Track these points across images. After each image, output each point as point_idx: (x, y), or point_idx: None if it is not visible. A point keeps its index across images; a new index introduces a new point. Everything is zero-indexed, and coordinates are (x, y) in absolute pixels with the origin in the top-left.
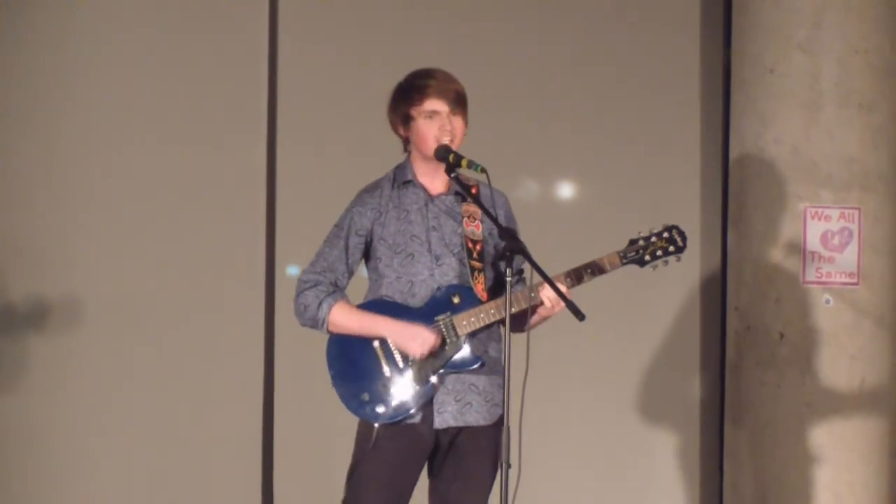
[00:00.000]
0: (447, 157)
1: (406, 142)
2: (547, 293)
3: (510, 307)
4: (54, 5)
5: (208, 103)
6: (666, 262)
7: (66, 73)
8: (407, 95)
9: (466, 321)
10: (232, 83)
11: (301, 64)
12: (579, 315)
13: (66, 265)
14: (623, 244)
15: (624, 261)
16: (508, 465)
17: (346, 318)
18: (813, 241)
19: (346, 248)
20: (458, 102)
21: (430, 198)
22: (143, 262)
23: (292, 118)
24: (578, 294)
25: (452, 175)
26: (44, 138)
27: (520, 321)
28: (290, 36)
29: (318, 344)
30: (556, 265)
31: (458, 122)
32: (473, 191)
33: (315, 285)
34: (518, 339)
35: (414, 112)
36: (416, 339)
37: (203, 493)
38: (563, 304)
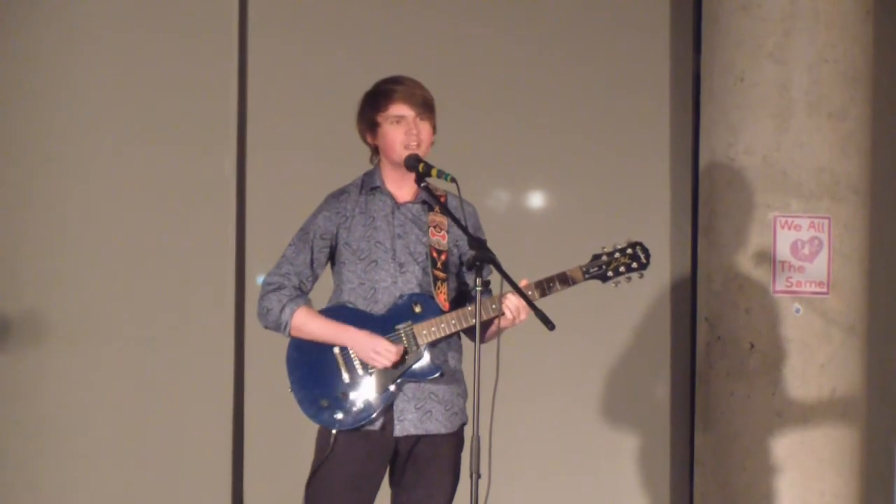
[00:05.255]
0: (417, 167)
1: (375, 150)
2: (508, 303)
3: (479, 316)
4: (19, 8)
5: (177, 112)
6: (629, 279)
7: (30, 80)
8: (373, 102)
9: (427, 330)
10: (201, 92)
11: (271, 72)
12: (549, 325)
13: (37, 273)
14: (590, 256)
15: (586, 276)
16: (478, 475)
17: (309, 324)
18: (783, 251)
19: (312, 251)
20: (425, 107)
21: (397, 205)
22: (112, 270)
23: (262, 127)
24: (548, 303)
25: (422, 184)
26: (14, 155)
27: (481, 331)
28: (260, 46)
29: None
30: (525, 274)
31: (425, 127)
32: (442, 199)
33: (278, 289)
34: (488, 349)
35: (380, 118)
36: (378, 351)
37: (173, 499)
38: (524, 315)
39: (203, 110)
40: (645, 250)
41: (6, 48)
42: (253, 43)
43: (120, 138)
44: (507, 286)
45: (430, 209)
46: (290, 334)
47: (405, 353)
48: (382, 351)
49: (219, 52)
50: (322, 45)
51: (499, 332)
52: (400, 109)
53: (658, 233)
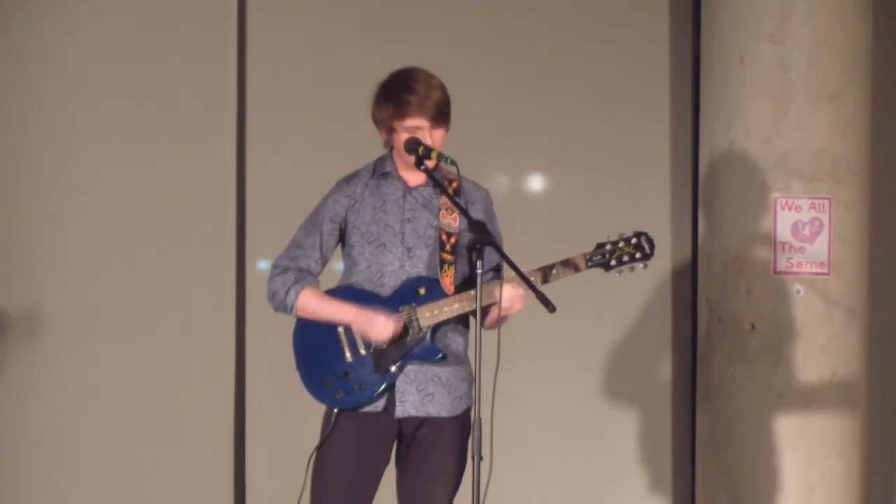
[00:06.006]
0: (417, 150)
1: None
2: (506, 292)
3: (480, 300)
4: (19, 7)
5: (177, 99)
6: (632, 269)
7: (32, 75)
8: (390, 108)
9: (430, 313)
10: (201, 79)
11: (270, 58)
12: (550, 307)
13: (36, 265)
14: (593, 241)
15: (589, 264)
16: (480, 458)
17: (314, 304)
18: (784, 232)
19: (321, 234)
20: (439, 116)
21: (409, 189)
22: (113, 259)
23: (262, 113)
24: (550, 285)
25: (422, 168)
26: (8, 141)
27: (483, 316)
28: (260, 30)
29: (289, 336)
30: (526, 257)
31: (438, 133)
32: (454, 184)
33: (284, 271)
34: (488, 332)
35: (396, 125)
36: (377, 326)
37: (176, 485)
38: (518, 305)
39: (203, 100)
40: (650, 241)
41: (7, 46)
42: (253, 30)
43: (120, 131)
44: (509, 271)
45: (443, 191)
46: (296, 315)
47: (406, 332)
48: (380, 325)
49: (219, 42)
50: (322, 34)
51: (499, 320)
52: (416, 122)
53: (659, 215)
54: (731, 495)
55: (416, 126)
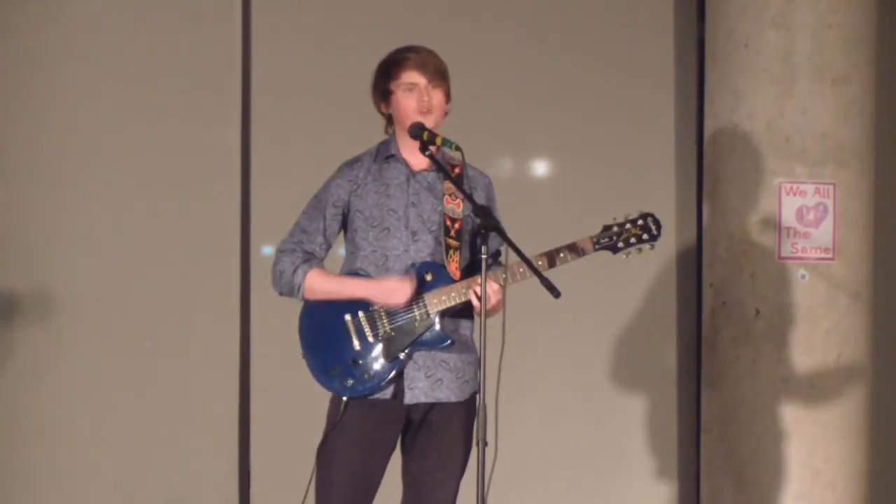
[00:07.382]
0: (421, 135)
1: (389, 120)
2: (480, 291)
3: (486, 285)
4: (29, 3)
5: (182, 85)
6: (640, 250)
7: (44, 68)
8: (386, 71)
9: (437, 299)
10: (205, 64)
11: (275, 44)
12: (554, 292)
13: (44, 250)
14: (596, 224)
15: (597, 246)
16: (485, 443)
17: (322, 283)
18: (788, 217)
19: (324, 219)
20: (438, 75)
21: (413, 173)
22: (119, 244)
23: (266, 99)
24: (554, 271)
25: (427, 153)
26: (21, 133)
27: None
28: (265, 15)
29: (294, 322)
30: (531, 242)
31: (437, 94)
32: (457, 170)
33: (291, 252)
34: (494, 317)
35: (392, 86)
36: (395, 291)
37: (180, 473)
38: (493, 300)
39: (207, 86)
40: (656, 221)
41: (20, 40)
42: (257, 17)
43: (126, 117)
44: (513, 256)
45: (447, 176)
46: (303, 297)
47: (414, 321)
48: (398, 290)
49: (223, 27)
50: (327, 19)
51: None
52: (412, 77)
53: (663, 199)
54: (736, 479)
55: (413, 82)
